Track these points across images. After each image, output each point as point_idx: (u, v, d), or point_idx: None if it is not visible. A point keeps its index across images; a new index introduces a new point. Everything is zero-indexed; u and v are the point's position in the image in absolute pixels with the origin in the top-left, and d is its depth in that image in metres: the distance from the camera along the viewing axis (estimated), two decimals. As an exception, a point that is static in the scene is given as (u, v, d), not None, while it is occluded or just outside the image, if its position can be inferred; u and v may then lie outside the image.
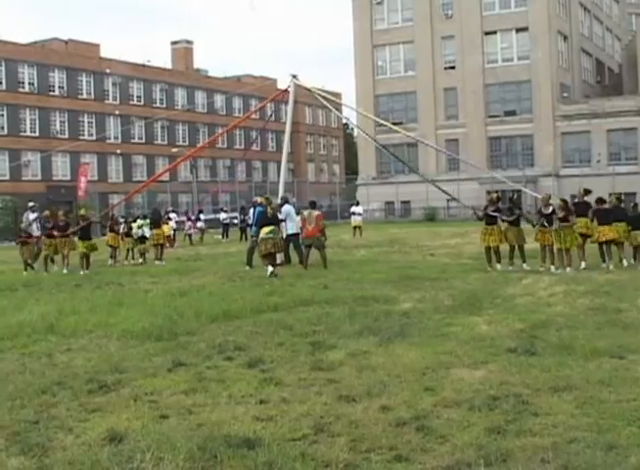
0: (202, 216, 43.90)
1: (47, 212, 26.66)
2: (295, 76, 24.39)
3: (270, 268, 19.73)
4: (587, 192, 21.43)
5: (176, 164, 26.97)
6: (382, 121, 25.25)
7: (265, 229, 20.31)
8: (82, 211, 26.86)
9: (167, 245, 37.12)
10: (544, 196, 20.47)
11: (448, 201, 63.11)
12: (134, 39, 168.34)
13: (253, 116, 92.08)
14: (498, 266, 19.61)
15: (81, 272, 23.06)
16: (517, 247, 19.82)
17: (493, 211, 20.04)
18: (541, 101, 65.62)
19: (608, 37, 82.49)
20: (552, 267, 19.00)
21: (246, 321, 12.37)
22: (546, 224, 19.32)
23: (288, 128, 24.95)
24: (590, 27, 76.36)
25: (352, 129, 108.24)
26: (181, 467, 5.71)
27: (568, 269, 18.71)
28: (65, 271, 23.62)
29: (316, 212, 21.98)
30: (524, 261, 19.57)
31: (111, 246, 27.84)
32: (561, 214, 19.07)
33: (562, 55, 68.69)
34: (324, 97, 26.52)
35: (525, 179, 63.08)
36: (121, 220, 30.74)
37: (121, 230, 28.52)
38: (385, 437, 6.26)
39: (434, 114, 70.03)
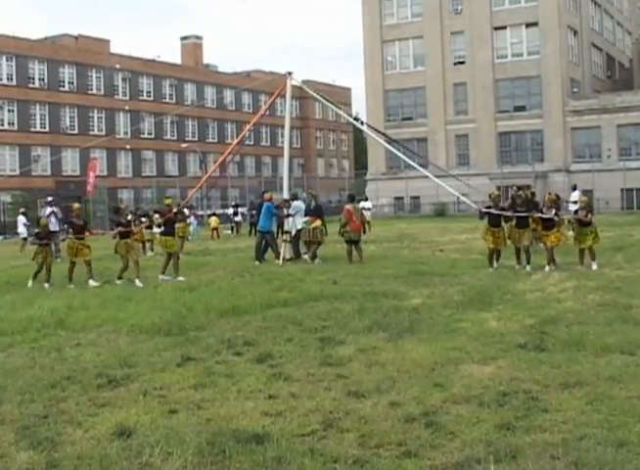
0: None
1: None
2: (290, 73, 24.31)
3: (306, 256, 22.20)
4: (519, 189, 21.73)
5: (225, 157, 26.88)
6: (383, 132, 25.10)
7: (304, 219, 22.52)
8: (168, 201, 21.34)
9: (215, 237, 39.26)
10: (550, 197, 19.42)
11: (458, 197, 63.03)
12: (144, 35, 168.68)
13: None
14: (495, 265, 18.87)
15: (172, 277, 18.83)
16: (522, 248, 18.84)
17: (501, 209, 19.21)
18: (551, 96, 65.39)
19: (618, 32, 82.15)
20: (547, 268, 18.11)
21: (255, 316, 12.38)
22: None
23: (287, 125, 24.92)
24: (600, 22, 76.05)
25: (362, 124, 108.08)
26: (190, 462, 5.71)
27: (594, 266, 17.95)
28: (139, 284, 18.04)
29: (360, 206, 22.75)
30: (528, 263, 18.61)
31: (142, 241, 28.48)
32: (582, 214, 18.45)
33: (572, 50, 68.43)
34: (323, 97, 26.39)
35: (535, 175, 63.01)
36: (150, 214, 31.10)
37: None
38: (394, 432, 6.25)
39: (443, 109, 69.87)
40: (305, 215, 22.60)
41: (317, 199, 23.67)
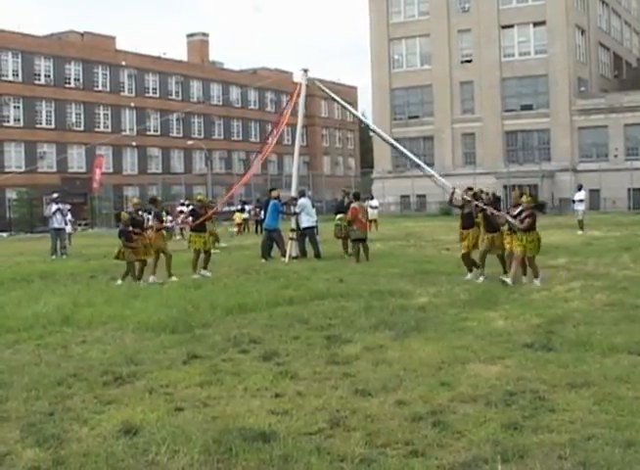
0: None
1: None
2: (306, 71, 24.23)
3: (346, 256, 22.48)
4: (470, 189, 20.49)
5: (264, 156, 26.98)
6: (390, 140, 24.91)
7: (337, 216, 23.49)
8: (201, 197, 21.18)
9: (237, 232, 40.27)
10: (515, 193, 17.16)
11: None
12: (150, 32, 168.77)
13: (269, 109, 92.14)
14: (469, 275, 16.77)
15: (196, 275, 18.70)
16: (497, 256, 16.85)
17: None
18: (558, 95, 65.32)
19: (626, 31, 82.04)
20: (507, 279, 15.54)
21: (261, 314, 12.36)
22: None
23: (300, 122, 24.90)
24: (608, 21, 75.93)
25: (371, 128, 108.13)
26: (196, 460, 5.69)
27: (507, 279, 15.42)
28: (154, 279, 18.07)
29: (366, 204, 22.81)
30: (505, 272, 16.34)
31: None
32: (524, 214, 15.70)
33: (579, 49, 68.34)
34: (333, 95, 26.21)
35: (542, 174, 62.95)
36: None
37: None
38: (400, 432, 6.22)
39: (450, 107, 69.84)
40: (339, 213, 23.48)
41: (350, 196, 24.17)
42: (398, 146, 25.96)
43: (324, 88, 25.50)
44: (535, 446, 5.82)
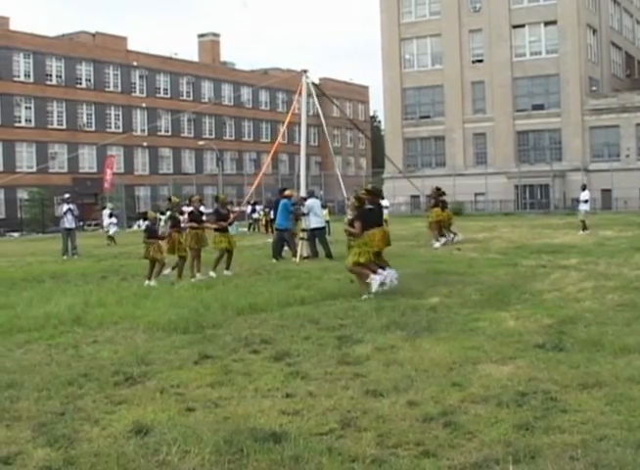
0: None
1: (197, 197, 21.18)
2: (305, 72, 24.23)
3: None
4: (438, 189, 19.31)
5: (272, 156, 27.27)
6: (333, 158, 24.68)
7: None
8: (223, 197, 21.31)
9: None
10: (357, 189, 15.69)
11: (476, 195, 62.94)
12: (161, 32, 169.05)
13: (280, 109, 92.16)
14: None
15: (212, 273, 18.72)
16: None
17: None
18: (570, 95, 65.17)
19: (638, 30, 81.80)
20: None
21: (272, 314, 12.34)
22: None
23: (304, 123, 24.88)
24: (620, 21, 75.73)
25: (380, 122, 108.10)
26: (207, 460, 5.68)
27: (364, 296, 14.14)
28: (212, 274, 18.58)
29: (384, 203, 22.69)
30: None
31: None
32: (352, 219, 14.75)
33: (591, 48, 68.17)
34: (313, 92, 26.08)
35: (554, 174, 62.81)
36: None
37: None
38: (412, 432, 6.20)
39: (461, 107, 69.75)
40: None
41: None
42: (332, 153, 26.21)
43: (312, 89, 25.44)
44: (547, 446, 5.78)
